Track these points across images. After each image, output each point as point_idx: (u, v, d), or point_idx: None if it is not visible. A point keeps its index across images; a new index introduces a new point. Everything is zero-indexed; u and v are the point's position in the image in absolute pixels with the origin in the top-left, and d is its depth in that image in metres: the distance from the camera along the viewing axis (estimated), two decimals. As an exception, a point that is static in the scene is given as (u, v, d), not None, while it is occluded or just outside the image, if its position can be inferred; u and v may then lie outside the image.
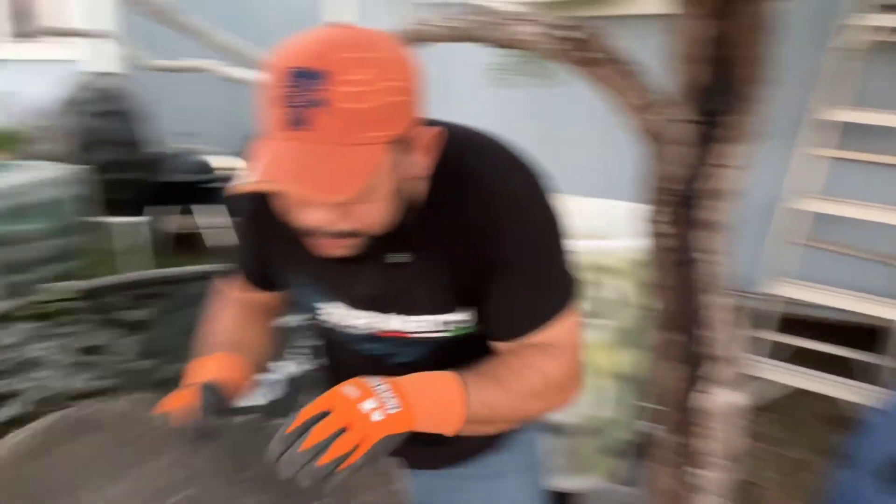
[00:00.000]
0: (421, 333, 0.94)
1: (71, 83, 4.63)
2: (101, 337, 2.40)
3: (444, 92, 3.52)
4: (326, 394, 0.74)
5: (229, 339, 0.99)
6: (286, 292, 1.07)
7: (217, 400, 0.87)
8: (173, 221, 4.48)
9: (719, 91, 0.94)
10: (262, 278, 1.05)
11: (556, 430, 1.93)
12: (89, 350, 2.30)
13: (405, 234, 0.85)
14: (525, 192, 0.88)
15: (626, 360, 2.10)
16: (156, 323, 2.52)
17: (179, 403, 0.86)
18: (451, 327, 0.93)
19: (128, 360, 2.26)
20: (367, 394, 0.74)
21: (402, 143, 0.77)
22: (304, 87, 0.71)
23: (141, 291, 2.69)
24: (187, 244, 4.31)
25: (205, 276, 1.06)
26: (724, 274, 1.05)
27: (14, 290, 3.51)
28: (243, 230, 1.02)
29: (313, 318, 1.04)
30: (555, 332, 0.90)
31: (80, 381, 2.11)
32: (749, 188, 1.05)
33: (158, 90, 5.00)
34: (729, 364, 1.07)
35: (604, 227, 2.47)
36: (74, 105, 4.31)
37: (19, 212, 3.65)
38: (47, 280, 3.52)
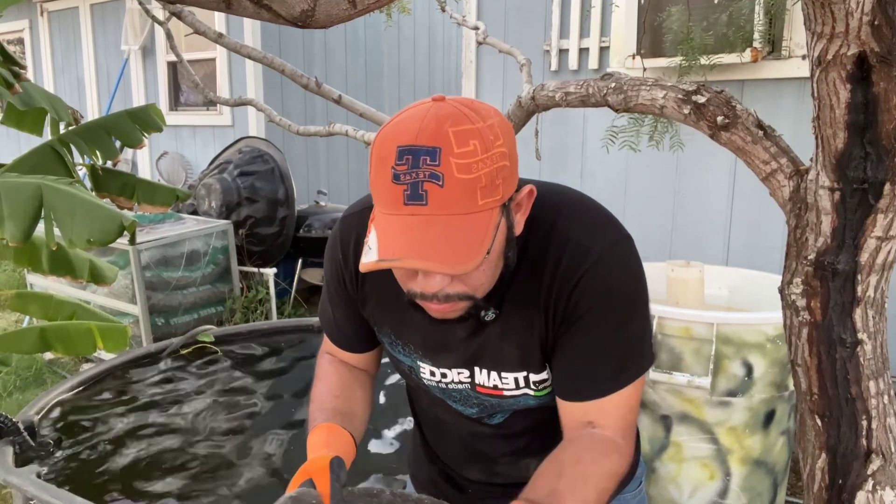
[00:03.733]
0: (511, 391, 0.95)
1: (221, 146, 5.10)
2: (234, 379, 2.54)
3: (572, 153, 3.53)
4: None
5: (334, 407, 1.00)
6: (378, 354, 1.09)
7: (344, 474, 0.88)
8: (308, 274, 4.73)
9: (869, 159, 0.88)
10: (353, 340, 1.07)
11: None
12: (224, 391, 2.45)
13: (496, 290, 0.87)
14: (613, 253, 0.88)
15: (757, 444, 1.93)
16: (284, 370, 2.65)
17: (316, 476, 0.86)
18: (539, 387, 0.94)
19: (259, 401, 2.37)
20: None
21: (508, 205, 0.80)
22: (415, 164, 0.73)
23: (271, 339, 2.84)
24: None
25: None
26: (881, 357, 0.95)
27: (168, 332, 3.83)
28: (336, 292, 1.03)
29: (409, 379, 1.05)
30: (627, 403, 0.89)
31: (216, 420, 2.23)
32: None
33: (297, 153, 5.40)
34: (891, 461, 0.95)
35: (738, 298, 2.33)
36: (223, 165, 4.73)
37: (177, 260, 4.01)
38: (196, 323, 3.83)
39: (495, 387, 0.95)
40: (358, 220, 0.97)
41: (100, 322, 2.12)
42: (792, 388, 1.71)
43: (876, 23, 0.78)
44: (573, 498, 0.80)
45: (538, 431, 1.01)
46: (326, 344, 1.11)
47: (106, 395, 2.33)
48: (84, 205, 1.70)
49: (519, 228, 0.84)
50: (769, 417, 1.91)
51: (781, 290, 1.02)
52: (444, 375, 0.98)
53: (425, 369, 0.99)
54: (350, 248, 0.98)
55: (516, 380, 0.94)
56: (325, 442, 0.92)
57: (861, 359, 0.95)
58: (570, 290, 0.86)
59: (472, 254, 0.74)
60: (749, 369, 1.86)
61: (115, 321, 2.20)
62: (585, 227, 0.88)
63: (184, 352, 2.63)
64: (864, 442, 0.96)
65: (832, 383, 0.97)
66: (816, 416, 1.00)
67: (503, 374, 0.94)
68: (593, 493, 0.83)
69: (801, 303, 0.99)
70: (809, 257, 0.96)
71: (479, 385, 0.96)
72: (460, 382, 0.98)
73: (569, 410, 0.90)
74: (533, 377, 0.93)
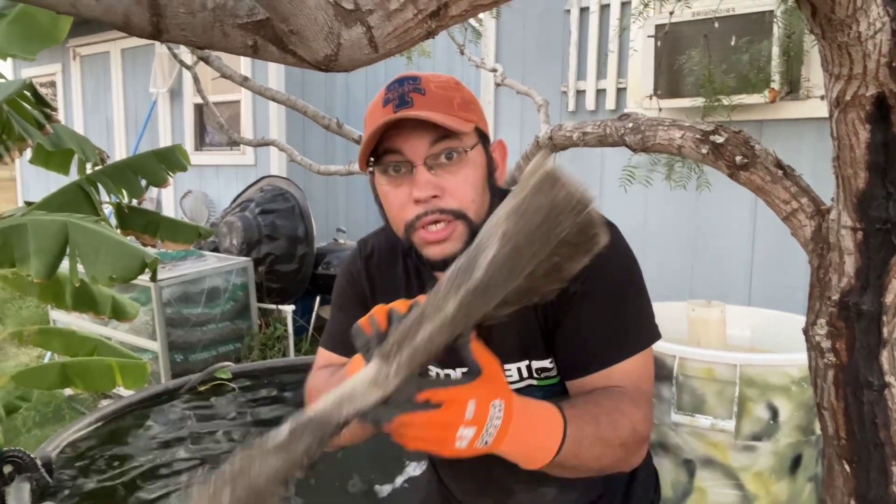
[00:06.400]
0: (515, 383, 0.96)
1: (244, 185, 5.18)
2: (248, 416, 2.53)
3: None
4: (480, 382, 0.68)
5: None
6: None
7: None
8: (326, 311, 4.73)
9: (890, 199, 0.87)
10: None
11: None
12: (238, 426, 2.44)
13: None
14: (611, 238, 0.90)
15: (783, 490, 1.88)
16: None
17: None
18: (541, 375, 0.95)
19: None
20: (483, 415, 0.68)
21: (485, 141, 0.93)
22: (400, 86, 0.90)
23: (288, 376, 2.83)
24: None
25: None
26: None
27: (187, 368, 3.84)
28: (350, 299, 1.06)
29: None
30: (635, 372, 0.89)
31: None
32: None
33: (318, 192, 5.46)
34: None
35: (761, 339, 2.30)
36: (245, 203, 4.80)
37: (197, 297, 4.05)
38: (214, 360, 3.83)
39: None
40: (374, 237, 1.09)
41: (120, 358, 2.14)
42: (819, 432, 1.67)
43: (894, 64, 0.78)
44: (589, 416, 0.80)
45: None
46: (319, 361, 1.08)
47: (124, 432, 2.33)
48: (108, 242, 1.73)
49: (500, 178, 0.96)
50: (796, 463, 1.86)
51: (806, 332, 1.00)
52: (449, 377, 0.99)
53: (433, 372, 1.00)
54: (363, 260, 1.07)
55: (519, 370, 0.95)
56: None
57: (889, 402, 0.93)
58: None
59: (457, 123, 0.86)
60: (774, 412, 1.82)
61: (135, 357, 2.21)
62: None
63: (201, 388, 2.63)
64: (894, 489, 0.93)
65: (860, 427, 0.95)
66: (844, 462, 0.97)
67: (506, 366, 0.95)
68: (609, 423, 0.82)
69: (826, 344, 0.97)
70: (833, 298, 0.95)
71: None
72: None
73: (577, 388, 0.90)
74: (535, 364, 0.95)
